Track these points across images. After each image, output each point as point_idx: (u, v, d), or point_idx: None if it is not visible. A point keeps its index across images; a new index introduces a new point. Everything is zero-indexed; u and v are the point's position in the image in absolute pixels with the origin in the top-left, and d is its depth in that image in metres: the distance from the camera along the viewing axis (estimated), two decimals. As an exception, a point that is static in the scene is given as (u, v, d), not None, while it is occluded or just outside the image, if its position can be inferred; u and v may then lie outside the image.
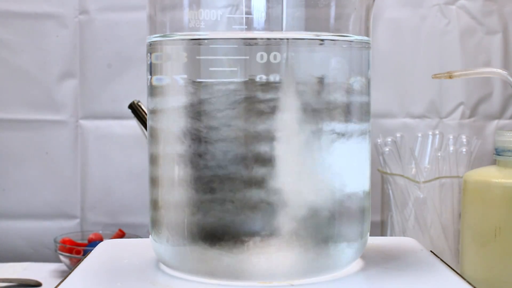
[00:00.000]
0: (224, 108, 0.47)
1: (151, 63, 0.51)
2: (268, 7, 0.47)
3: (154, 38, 0.50)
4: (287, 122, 0.47)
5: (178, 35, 0.48)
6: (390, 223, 0.81)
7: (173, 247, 0.49)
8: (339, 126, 0.48)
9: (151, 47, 0.51)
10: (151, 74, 0.51)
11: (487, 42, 0.93)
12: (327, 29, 0.48)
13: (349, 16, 0.49)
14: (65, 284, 0.48)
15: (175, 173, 0.49)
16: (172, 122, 0.49)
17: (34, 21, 0.92)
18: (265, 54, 0.46)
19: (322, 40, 0.48)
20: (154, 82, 0.50)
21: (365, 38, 0.51)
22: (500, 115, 0.94)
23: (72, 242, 0.88)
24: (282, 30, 0.47)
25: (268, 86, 0.46)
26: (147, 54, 0.51)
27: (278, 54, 0.46)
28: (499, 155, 0.61)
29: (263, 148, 0.46)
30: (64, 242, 0.87)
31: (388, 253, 0.56)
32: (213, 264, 0.47)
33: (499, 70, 0.64)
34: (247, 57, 0.46)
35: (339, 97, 0.49)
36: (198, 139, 0.47)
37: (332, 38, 0.48)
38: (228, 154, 0.47)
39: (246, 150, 0.46)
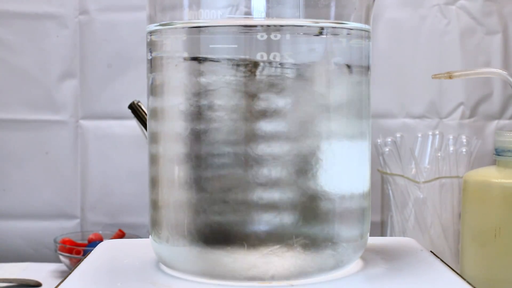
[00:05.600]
0: (224, 106, 0.47)
1: (151, 60, 0.51)
2: (268, 8, 0.47)
3: (154, 26, 0.50)
4: (286, 123, 0.47)
5: (178, 23, 0.48)
6: (390, 223, 0.81)
7: (173, 247, 0.49)
8: (339, 126, 0.48)
9: (151, 40, 0.51)
10: (151, 72, 0.51)
11: (487, 42, 0.93)
12: (327, 29, 0.49)
13: (349, 17, 0.49)
14: (65, 284, 0.48)
15: (175, 173, 0.49)
16: (172, 121, 0.49)
17: (34, 21, 0.92)
18: (265, 54, 0.46)
19: (322, 28, 0.48)
20: (154, 80, 0.50)
21: (366, 26, 0.50)
22: (500, 115, 0.94)
23: (72, 242, 0.88)
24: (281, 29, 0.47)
25: (268, 84, 0.46)
26: (147, 52, 0.51)
27: (277, 53, 0.46)
28: (499, 155, 0.61)
29: (262, 148, 0.46)
30: (64, 242, 0.87)
31: (388, 253, 0.55)
32: (213, 264, 0.47)
33: (499, 70, 0.64)
34: (247, 56, 0.46)
35: (338, 95, 0.49)
36: (198, 139, 0.47)
37: (332, 25, 0.48)
38: (228, 154, 0.47)
39: (246, 150, 0.46)
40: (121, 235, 0.91)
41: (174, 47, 0.49)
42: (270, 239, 0.47)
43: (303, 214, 0.47)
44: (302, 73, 0.47)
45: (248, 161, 0.46)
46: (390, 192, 0.81)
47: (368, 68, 0.51)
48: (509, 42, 0.93)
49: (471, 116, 0.93)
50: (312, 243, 0.48)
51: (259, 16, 0.47)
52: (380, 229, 0.84)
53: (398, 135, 0.83)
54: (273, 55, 0.46)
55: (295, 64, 0.47)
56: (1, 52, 0.93)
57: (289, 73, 0.47)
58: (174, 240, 0.49)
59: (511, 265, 0.59)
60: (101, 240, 0.87)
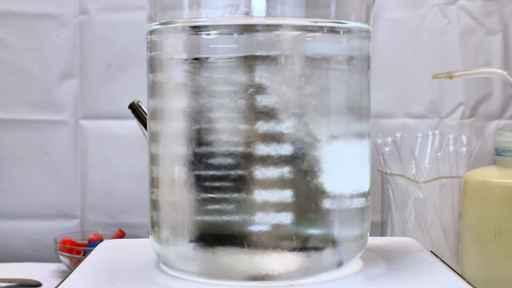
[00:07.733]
0: (224, 106, 0.47)
1: (151, 60, 0.51)
2: (268, 7, 0.47)
3: (154, 26, 0.50)
4: (286, 122, 0.46)
5: (178, 21, 0.48)
6: (390, 223, 0.81)
7: (173, 247, 0.49)
8: (339, 125, 0.48)
9: (151, 40, 0.51)
10: (151, 72, 0.51)
11: (487, 42, 0.93)
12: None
13: (349, 16, 0.49)
14: (65, 284, 0.48)
15: (175, 173, 0.49)
16: (172, 121, 0.49)
17: (34, 21, 0.92)
18: (265, 54, 0.46)
19: (321, 27, 0.48)
20: (154, 80, 0.50)
21: (366, 26, 0.50)
22: (500, 115, 0.94)
23: (72, 242, 0.88)
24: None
25: (268, 84, 0.46)
26: (147, 52, 0.51)
27: (277, 52, 0.46)
28: (499, 155, 0.61)
29: (262, 149, 0.46)
30: (64, 242, 0.87)
31: (388, 253, 0.55)
32: (213, 264, 0.47)
33: (499, 70, 0.64)
34: (247, 56, 0.46)
35: (338, 94, 0.49)
36: (198, 139, 0.47)
37: (332, 25, 0.48)
38: (228, 154, 0.47)
39: (246, 151, 0.46)
40: (121, 235, 0.91)
41: (174, 46, 0.49)
42: (270, 239, 0.47)
43: (303, 214, 0.47)
44: (302, 72, 0.47)
45: (248, 161, 0.46)
46: (390, 192, 0.81)
47: (368, 68, 0.51)
48: (509, 42, 0.93)
49: (471, 116, 0.93)
50: (312, 243, 0.48)
51: (259, 15, 0.47)
52: (380, 229, 0.84)
53: (398, 135, 0.83)
54: (273, 54, 0.46)
55: (295, 63, 0.47)
56: (1, 52, 0.93)
57: (289, 72, 0.47)
58: (174, 240, 0.49)
59: (511, 265, 0.59)
60: (101, 240, 0.87)
